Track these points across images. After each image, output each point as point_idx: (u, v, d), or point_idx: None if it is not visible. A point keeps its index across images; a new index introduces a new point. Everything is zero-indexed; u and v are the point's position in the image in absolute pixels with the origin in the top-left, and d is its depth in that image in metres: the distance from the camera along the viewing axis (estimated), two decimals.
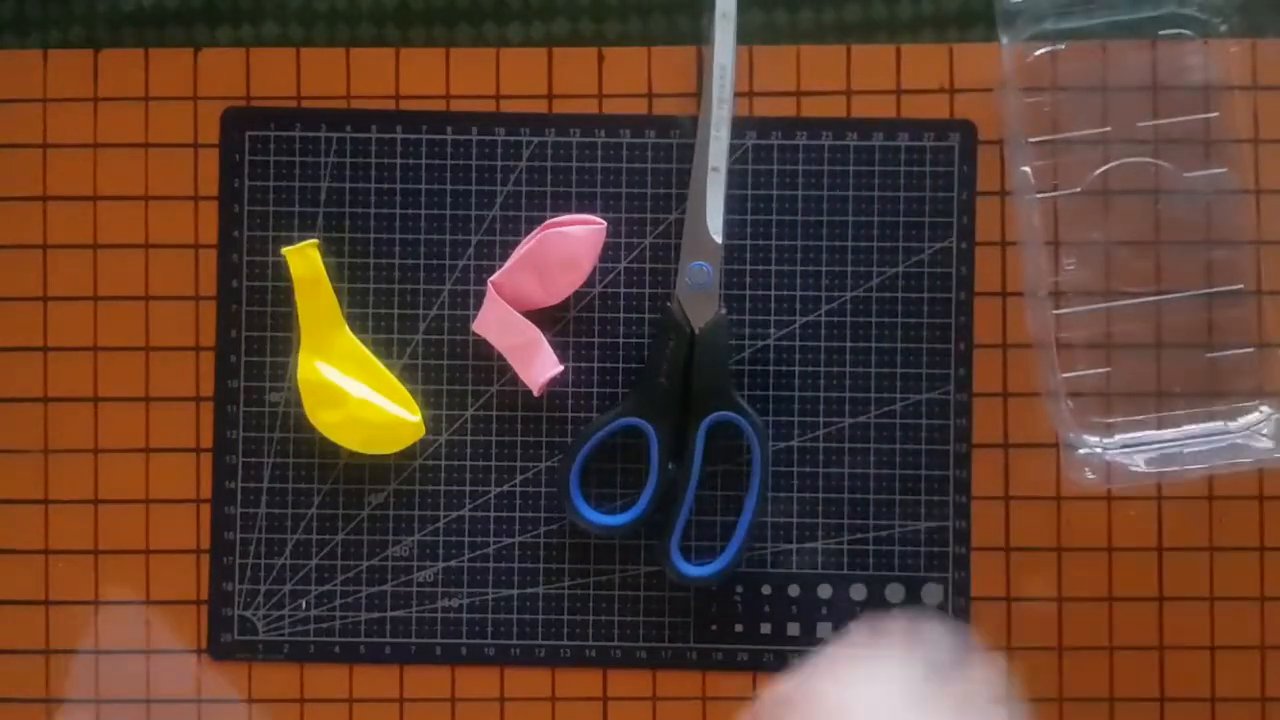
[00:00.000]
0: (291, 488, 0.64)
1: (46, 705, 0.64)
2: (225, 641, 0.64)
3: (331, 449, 0.63)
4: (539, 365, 0.62)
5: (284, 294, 0.64)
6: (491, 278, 0.62)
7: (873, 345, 0.63)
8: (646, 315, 0.63)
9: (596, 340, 0.64)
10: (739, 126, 0.63)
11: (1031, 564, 0.63)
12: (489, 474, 0.64)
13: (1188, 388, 0.63)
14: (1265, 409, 0.62)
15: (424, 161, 0.64)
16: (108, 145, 0.64)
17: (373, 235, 0.64)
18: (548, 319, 0.63)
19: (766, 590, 0.63)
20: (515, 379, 0.63)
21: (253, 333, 0.64)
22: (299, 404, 0.63)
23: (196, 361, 0.64)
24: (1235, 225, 0.63)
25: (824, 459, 0.63)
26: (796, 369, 0.63)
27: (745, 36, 0.63)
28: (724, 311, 0.62)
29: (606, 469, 0.63)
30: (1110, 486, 0.61)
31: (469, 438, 0.64)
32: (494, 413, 0.64)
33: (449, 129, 0.64)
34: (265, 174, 0.64)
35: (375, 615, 0.63)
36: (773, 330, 0.63)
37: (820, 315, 0.64)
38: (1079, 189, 0.63)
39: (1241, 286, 0.62)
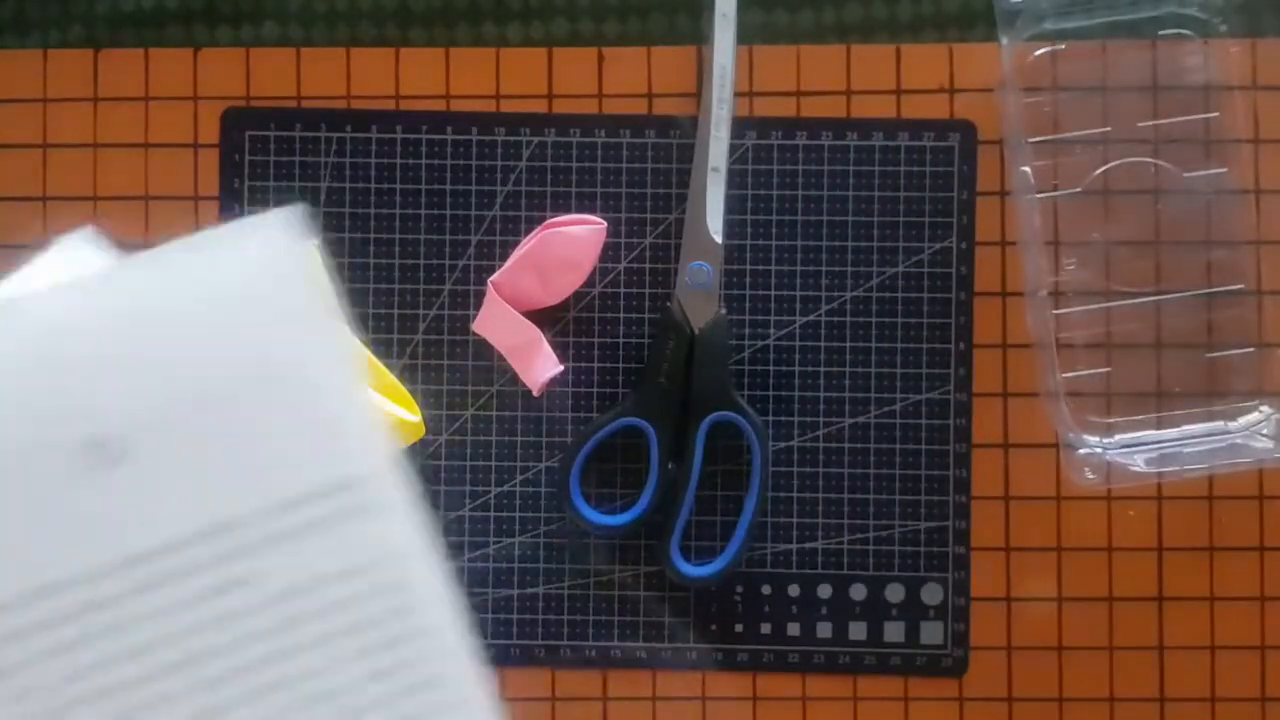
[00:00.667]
0: None
1: None
2: None
3: None
4: (539, 365, 0.62)
5: None
6: (491, 278, 0.62)
7: (872, 345, 0.63)
8: (646, 315, 0.63)
9: (596, 340, 0.64)
10: (739, 126, 0.63)
11: (1031, 564, 0.63)
12: (489, 474, 0.64)
13: (1188, 388, 0.63)
14: (1265, 409, 0.62)
15: (424, 161, 0.64)
16: (107, 145, 0.64)
17: (373, 235, 0.64)
18: (548, 319, 0.63)
19: (766, 590, 0.63)
20: (515, 379, 0.63)
21: None
22: None
23: None
24: (1235, 225, 0.63)
25: (824, 459, 0.63)
26: (796, 369, 0.63)
27: (745, 36, 0.63)
28: (724, 311, 0.62)
29: (606, 469, 0.63)
30: (1110, 486, 0.61)
31: (469, 438, 0.64)
32: (494, 413, 0.64)
33: (449, 129, 0.64)
34: (265, 174, 0.64)
35: None
36: (773, 330, 0.63)
37: (820, 315, 0.64)
38: (1079, 189, 0.63)
39: (1242, 286, 0.62)
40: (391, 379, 0.63)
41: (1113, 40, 0.63)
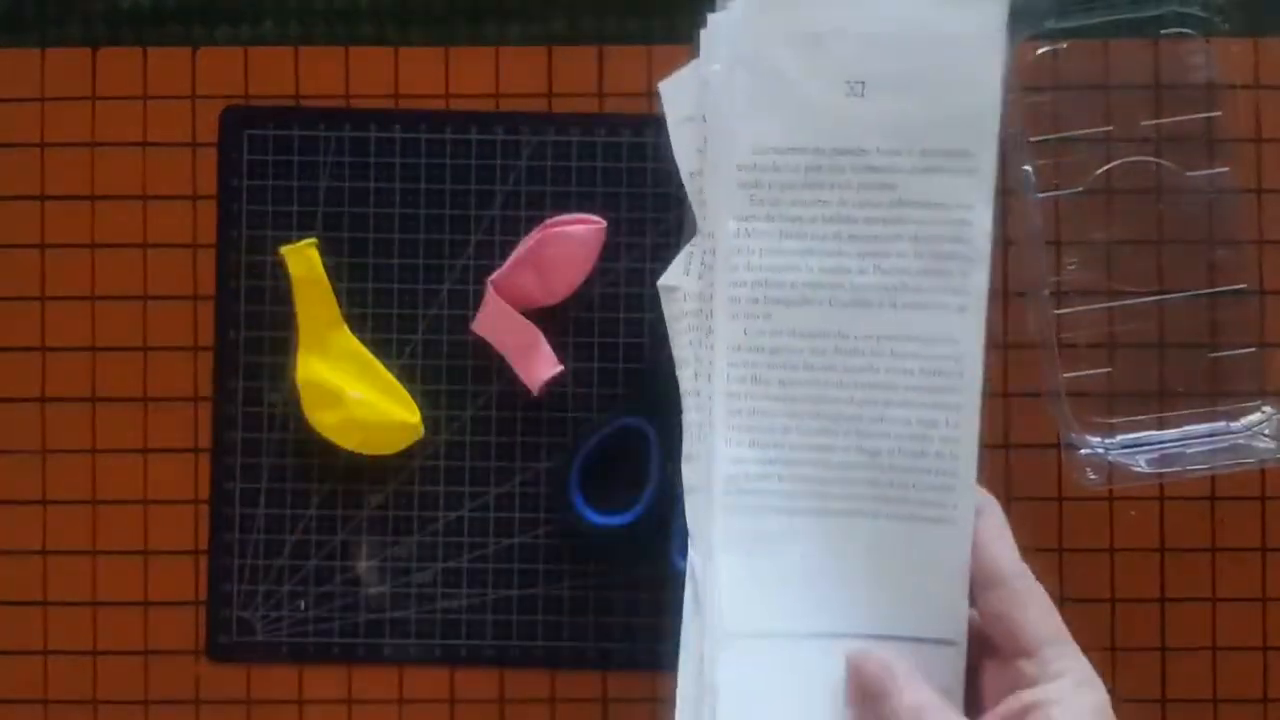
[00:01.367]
0: (290, 488, 0.63)
1: (45, 705, 0.64)
2: (223, 642, 0.64)
3: (330, 449, 0.63)
4: (539, 365, 0.62)
5: (282, 294, 0.63)
6: (491, 277, 0.62)
7: None
8: (646, 315, 0.63)
9: (596, 340, 0.63)
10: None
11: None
12: (489, 474, 0.63)
13: (1190, 388, 0.63)
14: (1267, 409, 0.62)
15: (423, 161, 0.64)
16: (105, 144, 0.64)
17: (372, 235, 0.64)
18: (548, 319, 0.63)
19: None
20: (515, 379, 0.63)
21: (251, 333, 0.64)
22: (297, 404, 0.63)
23: (195, 361, 0.64)
24: (1238, 225, 0.63)
25: None
26: None
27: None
28: None
29: (606, 469, 0.63)
30: (1112, 487, 0.61)
31: (468, 438, 0.63)
32: (494, 413, 0.64)
33: (448, 128, 0.64)
34: (264, 173, 0.64)
35: (374, 616, 0.63)
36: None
37: None
38: (1081, 188, 0.63)
39: (1244, 286, 0.62)
40: (391, 379, 0.63)
41: (1114, 39, 0.63)
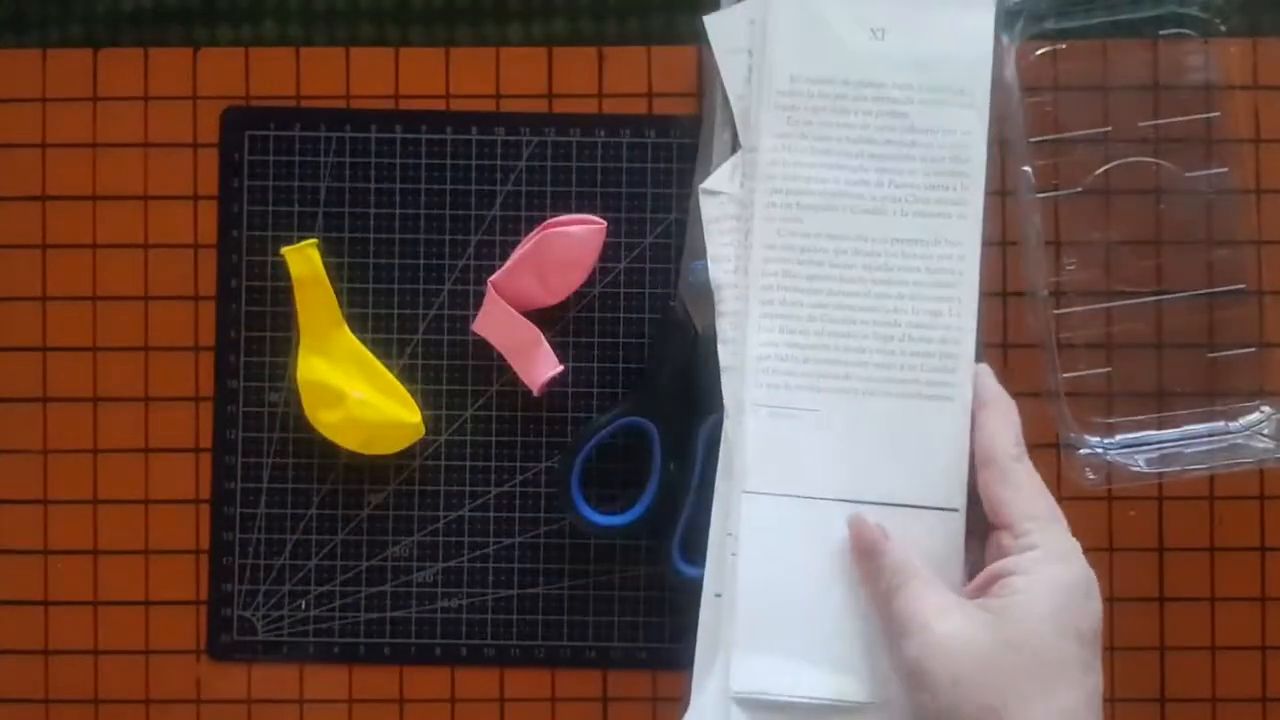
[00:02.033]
0: (291, 488, 0.64)
1: (46, 705, 0.64)
2: (224, 642, 0.64)
3: (331, 449, 0.63)
4: (539, 365, 0.62)
5: (283, 294, 0.64)
6: (491, 278, 0.62)
7: None
8: (646, 315, 0.63)
9: (596, 340, 0.63)
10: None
11: None
12: (489, 474, 0.64)
13: (1189, 388, 0.63)
14: (1266, 409, 0.62)
15: (424, 161, 0.64)
16: (107, 145, 0.64)
17: (372, 235, 0.64)
18: (548, 319, 0.63)
19: None
20: (515, 379, 0.63)
21: (252, 333, 0.64)
22: (298, 404, 0.63)
23: (196, 361, 0.64)
24: (1236, 225, 0.63)
25: None
26: None
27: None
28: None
29: (607, 469, 0.63)
30: (1111, 486, 0.61)
31: (469, 438, 0.64)
32: (494, 413, 0.64)
33: (449, 129, 0.64)
34: (265, 174, 0.64)
35: (375, 616, 0.63)
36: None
37: None
38: (1080, 189, 0.63)
39: (1243, 286, 0.62)
40: (391, 379, 0.63)
41: (1114, 40, 0.63)
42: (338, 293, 0.63)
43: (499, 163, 0.64)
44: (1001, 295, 0.63)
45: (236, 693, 0.64)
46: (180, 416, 0.64)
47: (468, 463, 0.64)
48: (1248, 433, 0.62)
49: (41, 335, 0.64)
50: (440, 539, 0.63)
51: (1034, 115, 0.62)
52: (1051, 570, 0.52)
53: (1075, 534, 0.63)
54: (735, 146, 0.62)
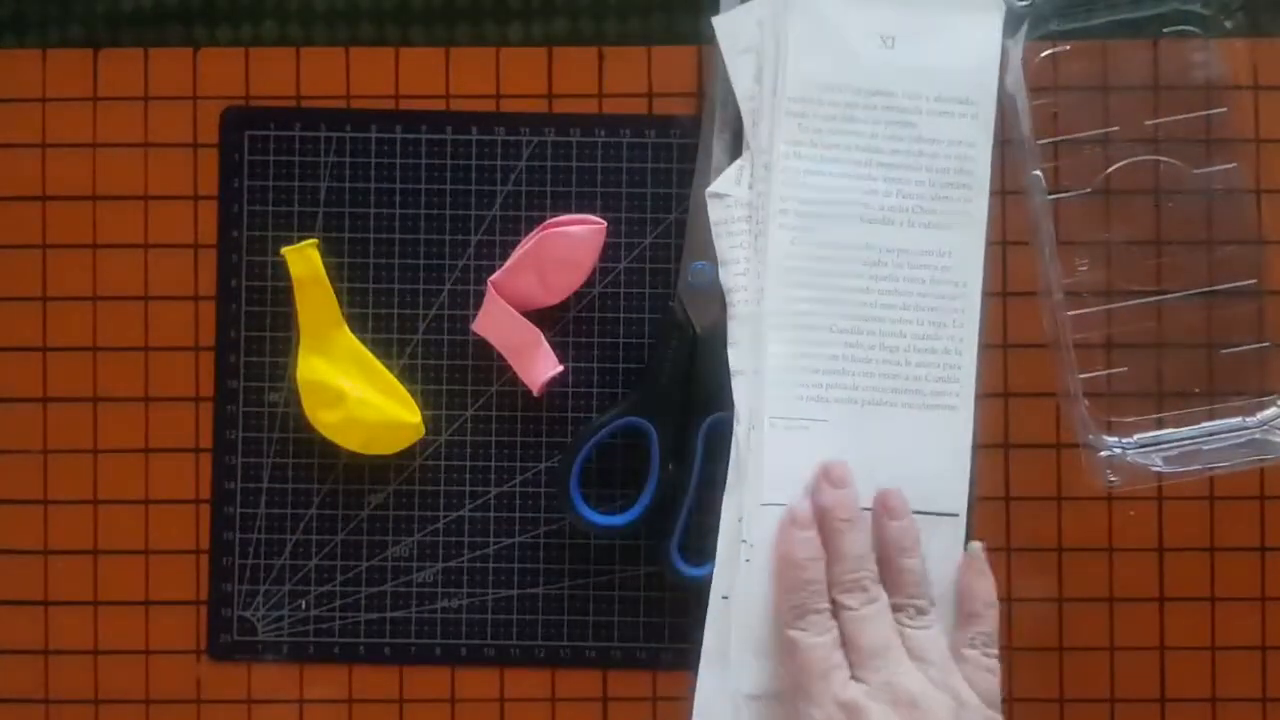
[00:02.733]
0: (291, 488, 0.64)
1: (46, 705, 0.64)
2: (224, 642, 0.64)
3: (331, 449, 0.63)
4: (539, 365, 0.62)
5: (283, 294, 0.64)
6: (491, 278, 0.62)
7: None
8: (646, 315, 0.63)
9: (596, 340, 0.63)
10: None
11: (1031, 564, 0.63)
12: (489, 474, 0.64)
13: (1205, 385, 0.62)
14: None
15: (424, 161, 0.64)
16: (107, 145, 0.64)
17: (372, 235, 0.64)
18: (548, 319, 0.63)
19: None
20: (515, 379, 0.63)
21: (252, 333, 0.64)
22: (298, 404, 0.63)
23: (196, 361, 0.64)
24: (1246, 221, 0.63)
25: None
26: None
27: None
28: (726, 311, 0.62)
29: (606, 469, 0.63)
30: (1134, 487, 0.61)
31: (469, 438, 0.64)
32: (494, 413, 0.64)
33: (449, 129, 0.64)
34: (265, 174, 0.64)
35: (375, 616, 0.63)
36: None
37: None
38: (1089, 189, 0.63)
39: (1254, 282, 0.62)
40: (391, 379, 0.63)
41: (1117, 39, 0.63)
42: (338, 293, 0.63)
43: (499, 163, 0.64)
44: (1002, 295, 0.63)
45: (237, 693, 0.64)
46: (180, 416, 0.64)
47: (468, 463, 0.64)
48: (1265, 428, 0.62)
49: (42, 335, 0.64)
50: (440, 539, 0.63)
51: (1040, 117, 0.62)
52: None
53: (1075, 534, 0.63)
54: (736, 147, 0.62)
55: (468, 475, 0.64)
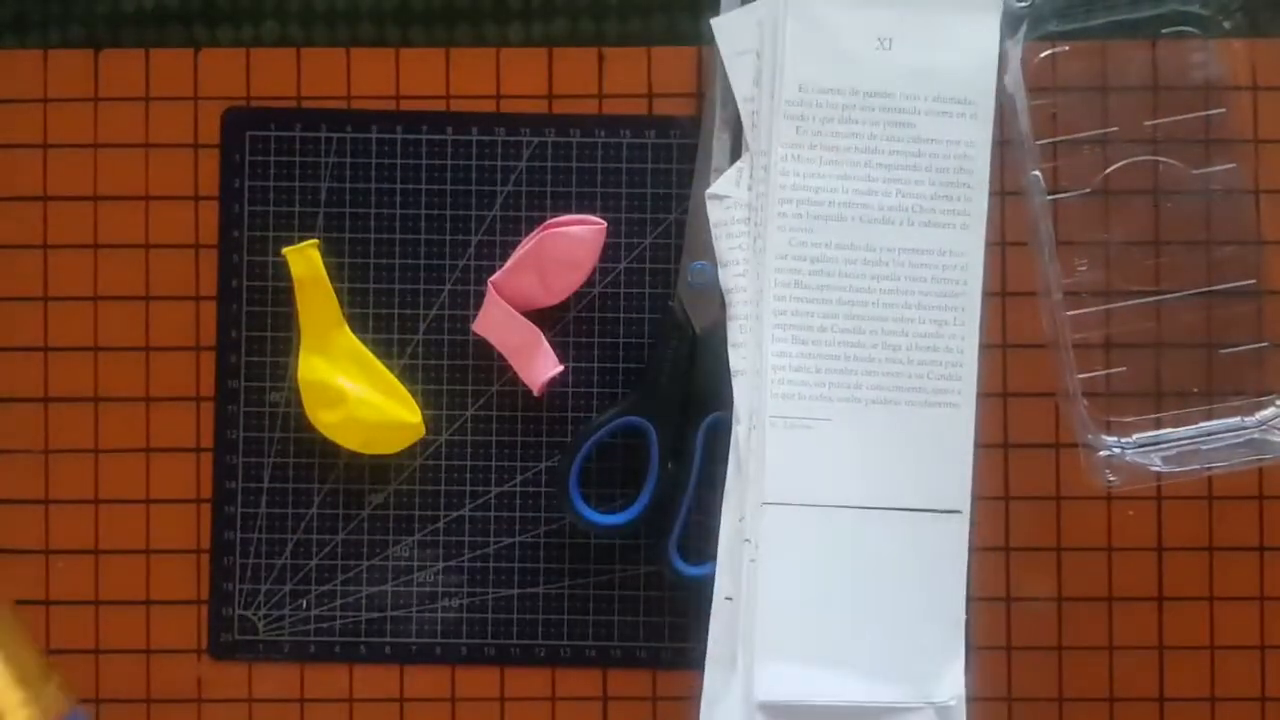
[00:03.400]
0: (292, 488, 0.64)
1: None
2: (225, 641, 0.64)
3: (331, 449, 0.63)
4: (539, 365, 0.62)
5: (284, 294, 0.64)
6: (491, 278, 0.62)
7: None
8: (646, 315, 0.63)
9: (596, 340, 0.64)
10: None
11: (1031, 564, 0.63)
12: (489, 474, 0.64)
13: (1204, 385, 0.62)
14: None
15: (424, 161, 0.64)
16: (108, 145, 0.64)
17: (373, 235, 0.64)
18: (548, 319, 0.63)
19: None
20: (515, 379, 0.63)
21: (253, 333, 0.64)
22: (299, 404, 0.63)
23: (197, 361, 0.64)
24: (1247, 221, 0.63)
25: None
26: None
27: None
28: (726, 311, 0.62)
29: (606, 469, 0.63)
30: (1133, 487, 0.61)
31: (469, 438, 0.64)
32: (494, 413, 0.64)
33: (449, 129, 0.64)
34: (265, 174, 0.64)
35: (375, 615, 0.64)
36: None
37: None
38: (1088, 189, 0.63)
39: (1253, 282, 0.62)
40: (392, 379, 0.63)
41: (1116, 40, 0.63)
42: (338, 293, 0.63)
43: (499, 163, 0.64)
44: (1001, 295, 0.63)
45: (237, 692, 0.64)
46: (181, 416, 0.64)
47: (468, 463, 0.64)
48: (1264, 428, 0.62)
49: (43, 335, 0.64)
50: (440, 538, 0.64)
51: (1039, 118, 0.62)
52: None
53: (1074, 533, 0.63)
54: (736, 148, 0.62)
55: (468, 475, 0.64)
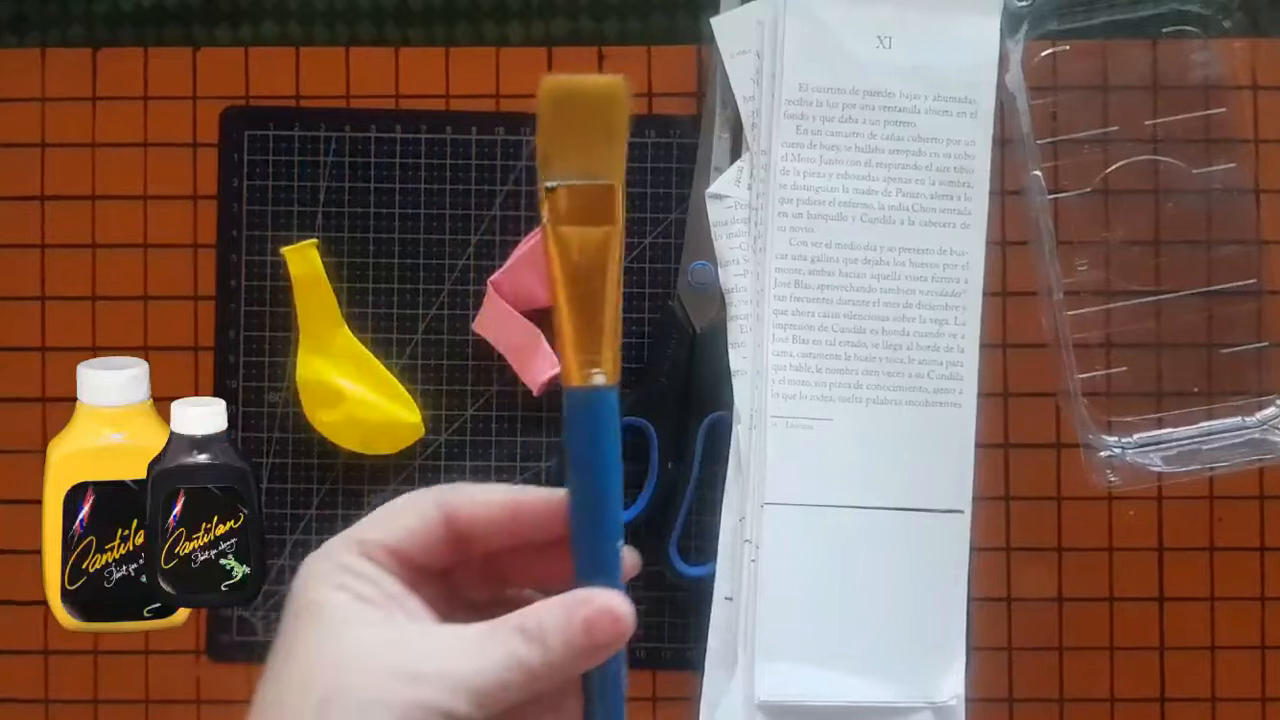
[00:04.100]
0: (291, 488, 0.64)
1: (46, 705, 0.64)
2: (224, 642, 0.64)
3: (331, 449, 0.63)
4: (539, 365, 0.62)
5: (283, 294, 0.64)
6: (491, 277, 0.62)
7: None
8: (646, 315, 0.63)
9: None
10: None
11: (1031, 564, 0.63)
12: (489, 474, 0.63)
13: (1205, 385, 0.62)
14: None
15: (423, 161, 0.64)
16: (106, 145, 0.64)
17: (372, 235, 0.64)
18: (548, 319, 0.63)
19: None
20: (515, 379, 0.63)
21: (252, 332, 0.64)
22: (298, 404, 0.63)
23: (195, 361, 0.64)
24: (1247, 221, 0.63)
25: None
26: None
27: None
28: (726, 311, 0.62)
29: None
30: (1134, 488, 0.61)
31: (469, 438, 0.64)
32: (494, 413, 0.64)
33: (449, 129, 0.64)
34: (264, 173, 0.64)
35: None
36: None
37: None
38: (1089, 189, 0.63)
39: (1254, 281, 0.62)
40: (391, 379, 0.63)
41: (1116, 39, 0.63)
42: (337, 292, 0.63)
43: (499, 163, 0.64)
44: (1001, 295, 0.63)
45: (236, 693, 0.64)
46: None
47: (468, 463, 0.64)
48: (1265, 428, 0.62)
49: (41, 335, 0.64)
50: None
51: (1040, 117, 0.62)
52: None
53: (1074, 534, 0.63)
54: (735, 147, 0.62)
55: (468, 475, 0.63)
